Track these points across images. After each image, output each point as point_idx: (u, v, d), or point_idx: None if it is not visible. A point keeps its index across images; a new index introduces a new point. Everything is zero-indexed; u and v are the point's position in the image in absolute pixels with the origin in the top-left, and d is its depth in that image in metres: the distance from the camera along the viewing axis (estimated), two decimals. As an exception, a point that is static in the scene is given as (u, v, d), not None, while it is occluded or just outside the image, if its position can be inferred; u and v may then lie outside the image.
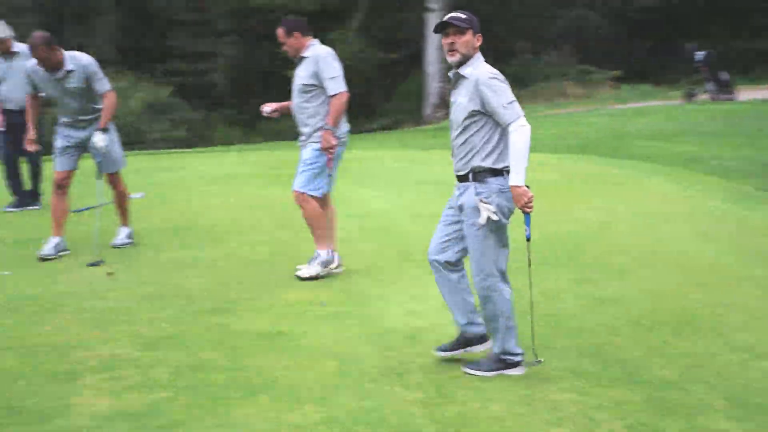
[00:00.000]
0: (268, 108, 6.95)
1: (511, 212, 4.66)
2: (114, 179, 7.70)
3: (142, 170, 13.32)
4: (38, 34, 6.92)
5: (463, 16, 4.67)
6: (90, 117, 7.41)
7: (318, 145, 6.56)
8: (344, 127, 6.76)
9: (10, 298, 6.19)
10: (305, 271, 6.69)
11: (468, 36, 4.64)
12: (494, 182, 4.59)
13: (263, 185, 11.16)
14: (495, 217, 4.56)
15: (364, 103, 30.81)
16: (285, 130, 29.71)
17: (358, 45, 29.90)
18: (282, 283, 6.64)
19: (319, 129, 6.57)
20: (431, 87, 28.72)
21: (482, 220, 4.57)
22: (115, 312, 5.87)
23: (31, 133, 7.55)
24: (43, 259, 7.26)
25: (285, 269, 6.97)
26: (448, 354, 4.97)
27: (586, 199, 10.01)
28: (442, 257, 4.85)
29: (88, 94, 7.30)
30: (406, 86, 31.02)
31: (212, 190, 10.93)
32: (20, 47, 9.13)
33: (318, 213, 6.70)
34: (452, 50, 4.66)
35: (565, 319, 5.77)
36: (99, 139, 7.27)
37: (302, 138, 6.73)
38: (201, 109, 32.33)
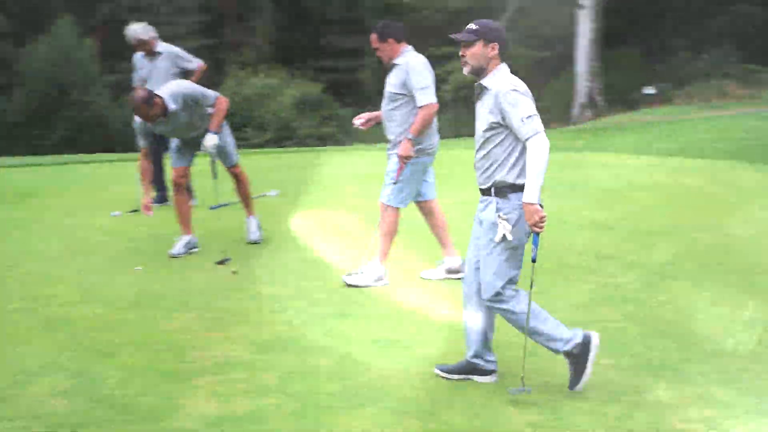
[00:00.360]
0: (358, 121, 6.82)
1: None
2: (235, 171, 7.79)
3: (286, 167, 13.57)
4: (137, 96, 6.93)
5: (474, 27, 4.53)
6: (203, 129, 7.44)
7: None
8: (434, 138, 6.55)
9: (139, 294, 6.35)
10: (355, 278, 6.54)
11: (477, 47, 4.51)
12: (516, 198, 4.45)
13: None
14: (510, 237, 4.45)
15: (511, 102, 30.42)
16: (443, 125, 29.67)
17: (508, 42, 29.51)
18: (405, 288, 6.53)
19: (400, 141, 6.42)
20: (580, 86, 28.02)
21: (497, 237, 4.47)
22: (235, 312, 5.92)
23: (146, 198, 7.43)
24: (174, 257, 7.45)
25: (409, 274, 6.86)
26: (448, 376, 4.79)
27: (735, 209, 9.42)
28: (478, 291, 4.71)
29: (198, 114, 7.33)
30: (555, 85, 30.42)
31: (351, 190, 10.91)
32: (163, 47, 9.39)
33: (393, 230, 6.57)
34: (464, 62, 4.56)
35: (700, 340, 5.40)
36: (209, 141, 7.30)
37: (389, 146, 6.60)
38: (350, 105, 32.73)
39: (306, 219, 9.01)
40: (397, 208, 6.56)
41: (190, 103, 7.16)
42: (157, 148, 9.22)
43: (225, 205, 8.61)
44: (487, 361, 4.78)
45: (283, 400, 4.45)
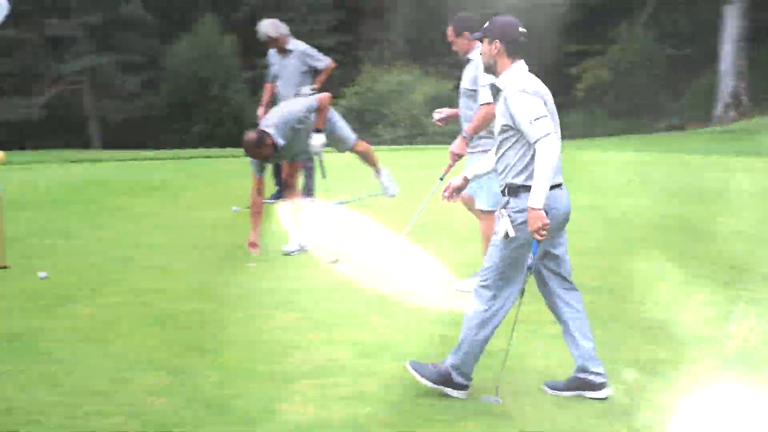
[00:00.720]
0: (438, 115, 6.61)
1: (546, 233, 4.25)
2: (359, 149, 7.71)
3: (414, 165, 13.43)
4: (247, 138, 6.91)
5: (486, 26, 4.42)
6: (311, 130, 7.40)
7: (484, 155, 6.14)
8: None
9: (248, 291, 6.34)
10: (467, 284, 6.24)
11: (485, 45, 4.42)
12: (526, 196, 4.22)
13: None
14: (512, 233, 4.27)
15: (649, 102, 29.41)
16: (575, 125, 29.09)
17: (646, 40, 28.50)
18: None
19: (482, 137, 6.12)
20: (724, 85, 26.73)
21: (500, 233, 4.32)
22: (341, 314, 5.81)
23: (254, 234, 7.25)
24: (287, 254, 7.43)
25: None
26: (556, 393, 4.51)
27: None
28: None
29: (306, 130, 7.27)
30: (696, 84, 29.15)
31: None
32: (294, 45, 9.34)
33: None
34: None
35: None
36: (317, 140, 7.25)
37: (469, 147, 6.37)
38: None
39: (424, 220, 8.82)
40: (493, 211, 6.31)
41: (297, 126, 7.12)
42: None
43: (342, 203, 8.54)
44: (596, 374, 4.47)
45: (381, 409, 4.29)
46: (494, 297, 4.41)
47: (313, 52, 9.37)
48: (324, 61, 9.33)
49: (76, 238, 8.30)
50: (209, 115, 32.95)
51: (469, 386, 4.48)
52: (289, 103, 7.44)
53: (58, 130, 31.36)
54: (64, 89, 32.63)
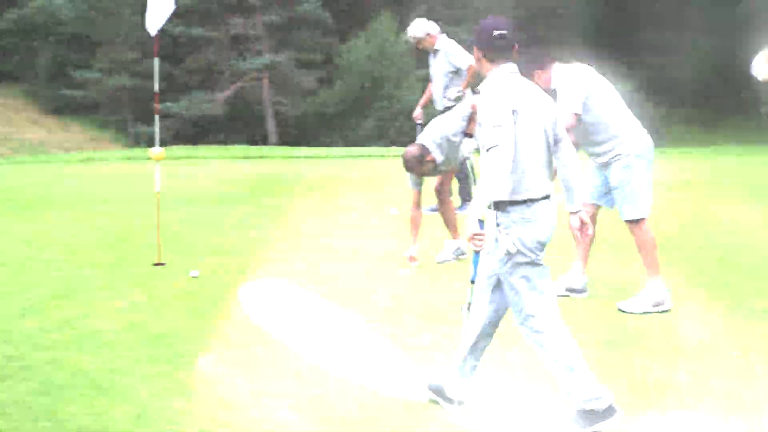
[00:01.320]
0: None
1: (541, 245, 4.09)
2: None
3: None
4: (408, 154, 6.74)
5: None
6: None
7: (621, 163, 5.89)
8: (633, 139, 5.96)
9: (393, 302, 6.07)
10: (631, 304, 5.89)
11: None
12: (514, 211, 4.03)
13: (712, 197, 10.11)
14: (513, 249, 4.02)
15: None
16: (755, 129, 27.25)
17: None
18: (687, 318, 5.74)
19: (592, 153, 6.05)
20: None
21: (500, 252, 4.05)
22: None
23: (413, 248, 7.03)
24: (441, 263, 7.18)
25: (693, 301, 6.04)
26: None
27: None
28: None
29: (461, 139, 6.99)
30: None
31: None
32: (441, 44, 8.97)
33: (650, 244, 5.95)
34: None
35: None
36: (468, 146, 6.95)
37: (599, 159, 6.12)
38: (663, 105, 31.00)
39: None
40: (642, 219, 5.96)
41: (453, 138, 6.87)
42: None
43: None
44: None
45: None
46: (535, 318, 4.10)
47: (456, 51, 8.85)
48: (465, 62, 8.75)
49: (232, 237, 8.32)
50: (381, 113, 33.20)
51: (611, 406, 4.05)
52: (446, 116, 7.13)
53: (238, 125, 32.49)
54: (244, 86, 33.74)
